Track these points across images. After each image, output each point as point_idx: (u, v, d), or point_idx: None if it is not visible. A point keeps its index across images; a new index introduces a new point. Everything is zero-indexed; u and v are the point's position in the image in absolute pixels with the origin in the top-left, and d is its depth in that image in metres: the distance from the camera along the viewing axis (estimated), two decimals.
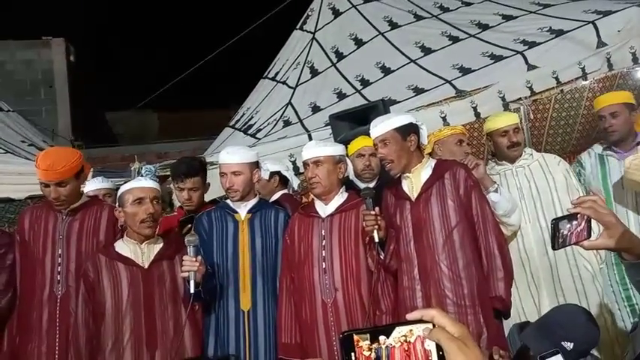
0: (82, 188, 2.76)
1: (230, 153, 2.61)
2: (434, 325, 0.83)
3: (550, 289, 2.69)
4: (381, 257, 2.36)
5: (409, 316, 0.85)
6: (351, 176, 2.97)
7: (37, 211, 2.60)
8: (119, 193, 2.42)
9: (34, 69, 9.24)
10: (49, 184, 2.47)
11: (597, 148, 3.06)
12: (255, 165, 2.63)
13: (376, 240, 2.28)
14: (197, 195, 2.91)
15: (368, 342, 0.82)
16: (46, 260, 2.50)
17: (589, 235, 1.38)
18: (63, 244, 2.51)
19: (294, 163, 3.99)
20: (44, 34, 9.52)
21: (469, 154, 2.82)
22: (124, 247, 2.36)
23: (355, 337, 0.83)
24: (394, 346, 0.82)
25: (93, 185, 3.32)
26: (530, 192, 2.79)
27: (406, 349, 0.82)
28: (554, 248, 1.39)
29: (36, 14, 9.83)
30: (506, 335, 2.27)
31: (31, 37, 9.41)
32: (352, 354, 0.82)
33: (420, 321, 0.84)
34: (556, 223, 1.36)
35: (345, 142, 3.09)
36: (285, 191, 3.28)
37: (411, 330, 0.83)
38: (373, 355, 0.82)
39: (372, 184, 2.94)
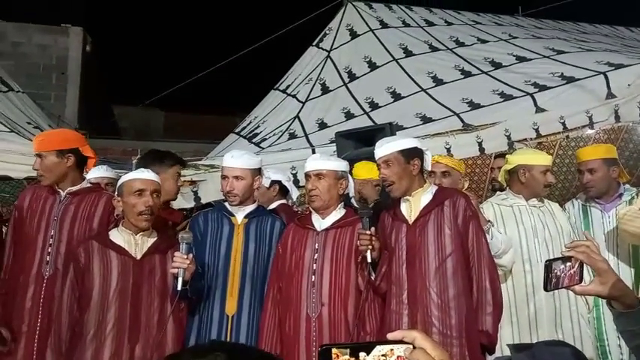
0: (84, 175, 2.74)
1: (234, 157, 2.59)
2: (414, 347, 0.82)
3: (551, 329, 2.66)
4: (372, 278, 2.34)
5: (390, 336, 0.85)
6: (351, 194, 2.97)
7: (38, 191, 2.61)
8: (119, 182, 2.39)
9: (49, 54, 9.32)
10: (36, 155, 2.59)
11: (581, 198, 3.09)
12: (258, 172, 2.62)
13: (369, 260, 2.27)
14: None
15: (347, 357, 0.82)
16: (38, 240, 2.49)
17: (580, 280, 1.37)
18: (57, 225, 2.51)
19: (295, 175, 3.99)
20: (64, 21, 9.62)
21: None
22: (118, 236, 2.34)
23: (334, 350, 0.82)
24: None
25: (96, 173, 3.29)
26: (544, 233, 2.77)
27: None
28: (546, 289, 1.37)
29: (58, 1, 9.94)
30: None
31: (50, 23, 9.51)
32: None
33: (401, 342, 0.83)
34: (549, 264, 1.35)
35: (349, 161, 3.10)
36: (284, 201, 3.27)
37: (392, 349, 0.82)
38: None
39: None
